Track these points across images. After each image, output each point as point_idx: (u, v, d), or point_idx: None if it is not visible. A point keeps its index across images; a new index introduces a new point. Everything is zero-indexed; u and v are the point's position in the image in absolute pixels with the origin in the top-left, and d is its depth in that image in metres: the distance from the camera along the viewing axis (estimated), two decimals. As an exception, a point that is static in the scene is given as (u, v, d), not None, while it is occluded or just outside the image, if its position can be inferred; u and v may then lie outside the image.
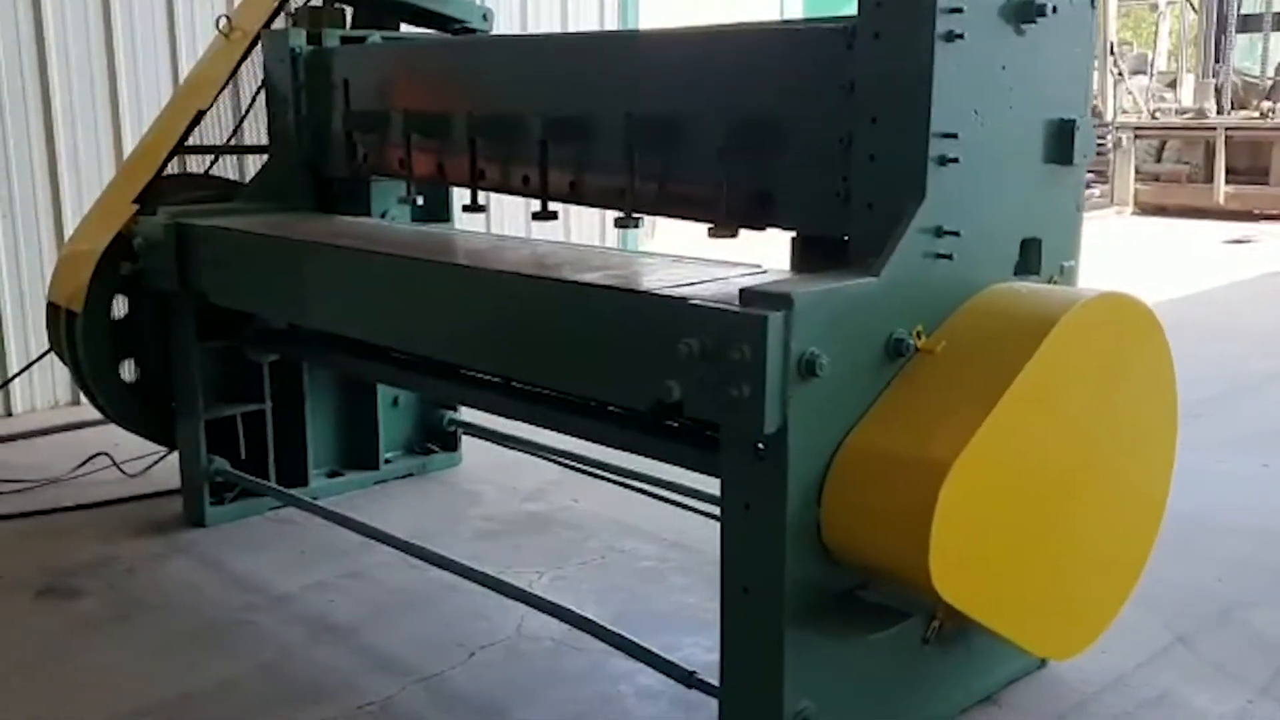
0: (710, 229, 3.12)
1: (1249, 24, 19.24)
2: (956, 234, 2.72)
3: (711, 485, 3.79)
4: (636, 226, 3.52)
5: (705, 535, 4.32)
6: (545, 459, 4.96)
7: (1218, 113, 17.35)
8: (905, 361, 2.65)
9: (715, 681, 2.79)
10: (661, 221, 3.58)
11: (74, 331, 4.41)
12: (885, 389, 2.63)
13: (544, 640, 3.58)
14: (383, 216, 4.67)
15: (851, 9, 2.73)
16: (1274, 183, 15.37)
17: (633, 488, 4.56)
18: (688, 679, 2.99)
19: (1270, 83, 18.37)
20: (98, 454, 5.18)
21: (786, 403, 2.42)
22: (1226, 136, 15.74)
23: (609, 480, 4.69)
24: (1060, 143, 2.97)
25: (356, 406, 5.03)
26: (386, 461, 5.09)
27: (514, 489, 4.97)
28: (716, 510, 4.38)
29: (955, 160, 2.68)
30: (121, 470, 5.12)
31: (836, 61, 2.78)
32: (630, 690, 3.30)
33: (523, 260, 3.37)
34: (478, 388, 3.65)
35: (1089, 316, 2.70)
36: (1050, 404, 2.64)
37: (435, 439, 5.29)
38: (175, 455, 4.73)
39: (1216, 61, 18.18)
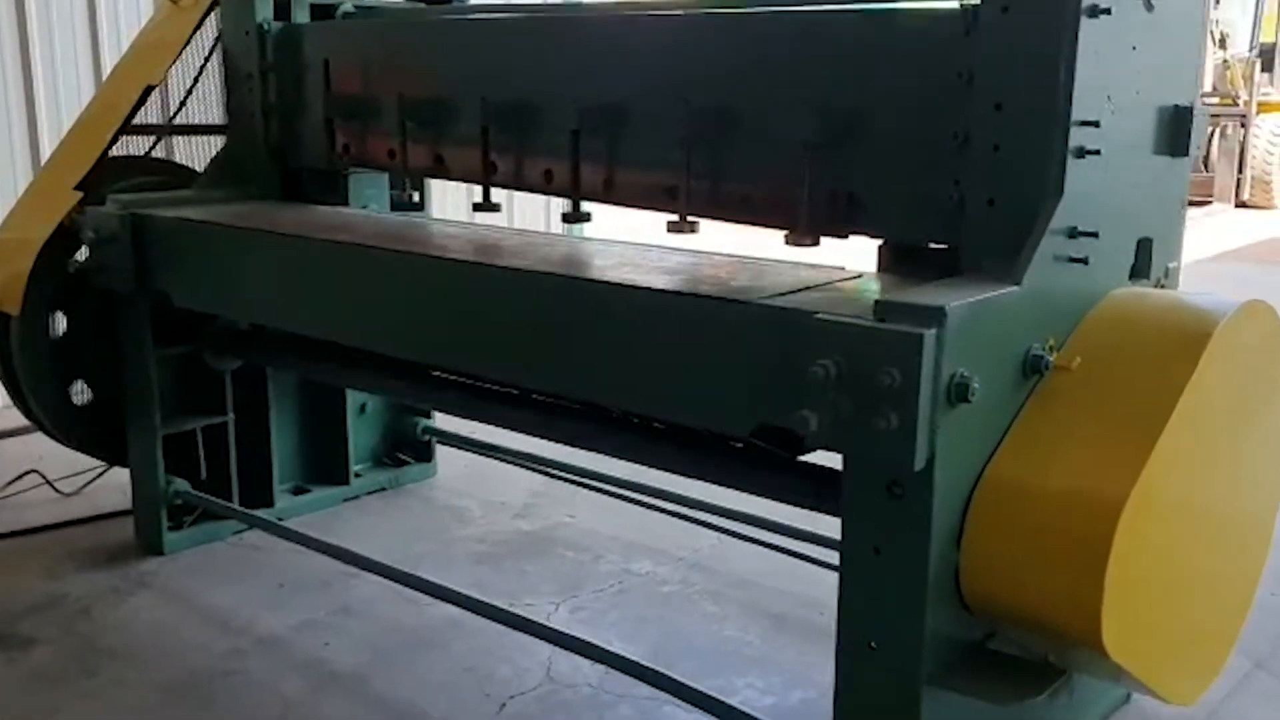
0: (786, 236, 2.76)
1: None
2: (1095, 235, 2.41)
3: (727, 498, 3.50)
4: (588, 220, 3.25)
5: (721, 553, 4.01)
6: (530, 469, 4.58)
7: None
8: (1039, 380, 2.34)
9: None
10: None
11: (8, 339, 3.87)
12: (1020, 412, 2.32)
13: (581, 686, 3.20)
14: (362, 209, 4.21)
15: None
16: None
17: (635, 500, 4.21)
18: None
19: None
20: (29, 471, 4.62)
21: (934, 433, 2.09)
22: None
23: (603, 492, 4.33)
24: (1175, 131, 2.68)
25: (322, 415, 4.57)
26: (356, 475, 4.64)
27: (501, 504, 4.57)
28: (731, 525, 4.20)
29: (1096, 152, 2.37)
30: (55, 489, 4.58)
31: (948, 50, 2.45)
32: (696, 746, 2.95)
33: (557, 259, 2.98)
34: (496, 402, 3.22)
35: (1238, 328, 2.41)
36: (1202, 427, 2.35)
37: (407, 448, 4.85)
38: (116, 471, 4.23)
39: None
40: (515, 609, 3.34)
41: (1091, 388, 2.32)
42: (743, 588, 3.81)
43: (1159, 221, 2.74)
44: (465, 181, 3.56)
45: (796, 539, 3.78)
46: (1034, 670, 2.31)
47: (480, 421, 3.42)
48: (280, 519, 4.25)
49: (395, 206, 4.33)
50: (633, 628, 3.53)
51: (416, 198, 4.41)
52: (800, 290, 2.46)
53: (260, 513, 4.19)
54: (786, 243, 2.76)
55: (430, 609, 3.56)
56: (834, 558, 3.72)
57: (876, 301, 2.13)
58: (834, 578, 3.65)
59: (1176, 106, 2.67)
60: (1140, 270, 2.71)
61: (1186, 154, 2.72)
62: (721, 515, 3.98)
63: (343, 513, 4.48)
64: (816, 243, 2.74)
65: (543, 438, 3.22)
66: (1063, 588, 2.15)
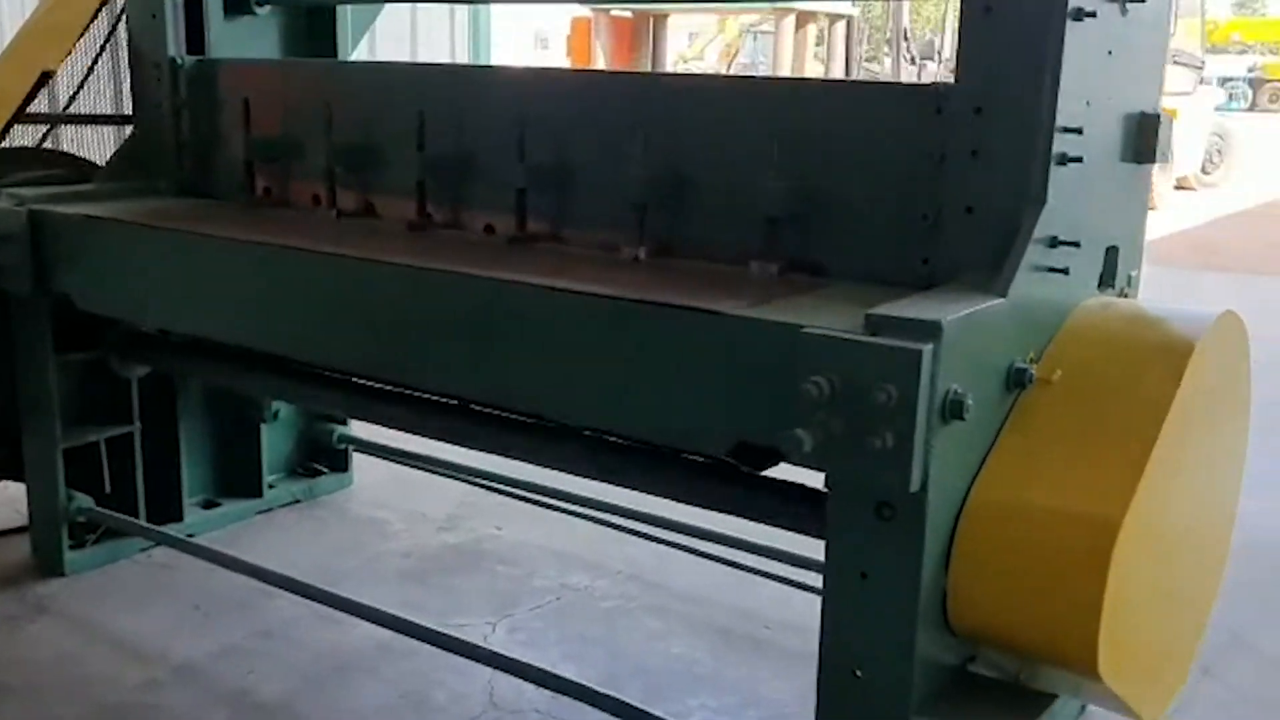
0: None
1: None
2: (1076, 244, 2.35)
3: (662, 508, 3.38)
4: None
5: (659, 565, 3.89)
6: (453, 478, 4.40)
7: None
8: (1020, 394, 2.26)
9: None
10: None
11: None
12: (1003, 428, 2.24)
13: (528, 712, 3.05)
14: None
15: None
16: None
17: (566, 511, 4.06)
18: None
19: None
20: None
21: (929, 453, 2.00)
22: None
23: (531, 502, 4.17)
24: (1143, 138, 2.63)
25: (234, 425, 4.32)
26: (270, 487, 4.41)
27: (423, 515, 4.38)
28: (668, 535, 4.07)
29: (1079, 159, 2.31)
30: (-64, 504, 4.26)
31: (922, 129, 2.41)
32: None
33: (499, 262, 2.82)
34: (435, 414, 3.04)
35: (1215, 340, 2.37)
36: (1181, 442, 2.30)
37: (322, 458, 4.62)
38: (7, 486, 3.94)
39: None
40: (449, 629, 3.18)
41: (1074, 402, 2.25)
42: (685, 602, 3.69)
43: (1125, 229, 2.70)
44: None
45: (737, 549, 3.68)
46: (1026, 697, 2.24)
47: (417, 434, 3.23)
48: (190, 535, 4.00)
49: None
50: (576, 647, 3.39)
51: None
52: (771, 301, 2.34)
53: (169, 528, 3.94)
54: None
55: (357, 630, 3.37)
56: (776, 568, 3.72)
57: (868, 315, 2.03)
58: (777, 589, 3.66)
59: (1143, 113, 2.63)
60: (1107, 279, 2.66)
61: (1154, 160, 2.68)
62: (657, 525, 3.86)
63: (256, 527, 4.24)
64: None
65: (487, 452, 3.06)
66: (1058, 613, 2.08)
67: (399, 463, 4.53)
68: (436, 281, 2.67)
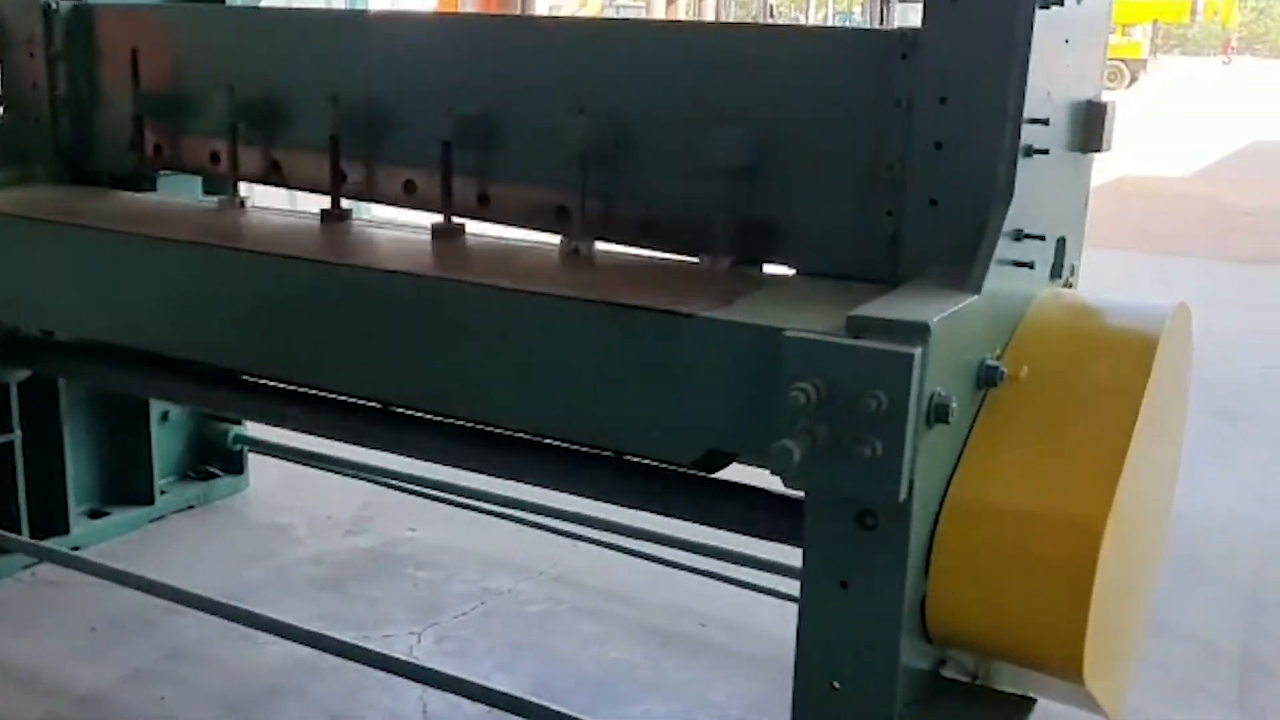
0: (701, 261, 2.55)
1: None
2: (1041, 238, 2.31)
3: (581, 505, 3.28)
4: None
5: (582, 563, 3.78)
6: (357, 477, 4.21)
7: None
8: (987, 393, 2.21)
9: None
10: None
11: None
12: (972, 427, 2.18)
13: (467, 729, 2.91)
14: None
15: None
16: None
17: (481, 510, 3.92)
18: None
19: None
20: None
21: (915, 459, 1.93)
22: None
23: (443, 501, 4.01)
24: (1090, 127, 2.60)
25: (122, 428, 4.06)
26: (161, 493, 4.15)
27: (328, 518, 4.18)
28: (587, 532, 3.95)
29: (1045, 151, 2.26)
30: None
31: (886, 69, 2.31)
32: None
33: (421, 258, 2.66)
34: (374, 420, 2.86)
35: (1173, 331, 2.36)
36: (1148, 434, 2.28)
37: (216, 459, 4.38)
38: None
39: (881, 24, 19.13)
40: (373, 643, 3.03)
41: (1045, 399, 2.20)
42: (614, 601, 3.59)
43: (1071, 219, 2.67)
44: (307, 191, 3.17)
45: (659, 544, 3.58)
46: (1007, 702, 2.20)
47: (346, 442, 3.03)
48: (77, 548, 3.75)
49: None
50: (508, 656, 3.26)
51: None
52: (736, 300, 2.24)
53: (53, 542, 3.69)
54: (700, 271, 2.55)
55: (275, 647, 3.18)
56: (706, 564, 3.63)
57: (850, 316, 1.95)
58: (708, 585, 3.58)
59: (1090, 101, 2.60)
60: (1056, 270, 2.63)
61: (1101, 149, 2.65)
62: (577, 523, 3.75)
63: (150, 536, 3.99)
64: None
65: (428, 461, 2.90)
66: (1043, 617, 2.03)
67: (298, 463, 4.32)
68: (359, 279, 2.50)
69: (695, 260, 2.57)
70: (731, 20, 21.63)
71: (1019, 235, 2.27)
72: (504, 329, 2.33)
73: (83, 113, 3.49)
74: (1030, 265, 2.31)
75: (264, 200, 3.57)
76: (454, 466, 2.79)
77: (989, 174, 2.22)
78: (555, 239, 2.72)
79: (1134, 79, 24.51)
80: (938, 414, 1.93)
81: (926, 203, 2.29)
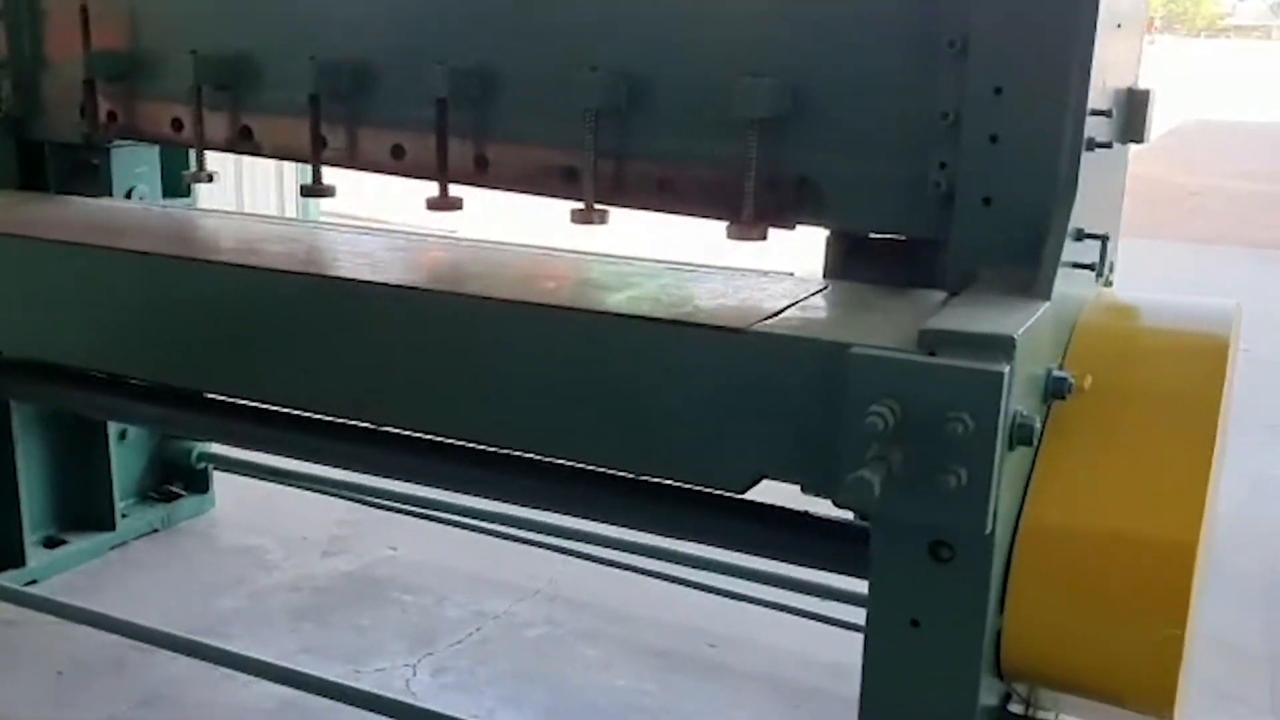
0: (729, 228, 2.35)
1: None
2: (1104, 237, 2.15)
3: (562, 516, 3.07)
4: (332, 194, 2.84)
5: (578, 580, 3.59)
6: (329, 494, 3.97)
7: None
8: (1053, 405, 2.05)
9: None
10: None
11: None
12: (1040, 444, 2.02)
13: (477, 773, 2.71)
14: (128, 196, 3.45)
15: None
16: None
17: (463, 525, 3.71)
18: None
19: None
20: None
21: (999, 486, 1.76)
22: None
23: (421, 517, 3.79)
24: (1133, 115, 2.45)
25: (78, 448, 3.79)
26: (123, 516, 3.88)
27: (303, 539, 3.94)
28: (577, 546, 3.74)
29: (1108, 145, 2.11)
30: None
31: (936, 11, 2.12)
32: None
33: (430, 266, 2.45)
34: (373, 444, 2.62)
35: (1236, 331, 2.22)
36: (1220, 442, 2.14)
37: (178, 479, 4.12)
38: None
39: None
40: (365, 679, 2.84)
41: (1113, 409, 2.04)
42: (615, 622, 3.40)
43: (1112, 216, 2.53)
44: (281, 159, 2.94)
45: (654, 558, 3.39)
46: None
47: (347, 470, 2.80)
48: (34, 581, 3.49)
49: (169, 192, 3.59)
50: (512, 687, 3.05)
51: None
52: (783, 310, 2.05)
53: (8, 577, 3.44)
54: (729, 236, 2.35)
55: (259, 686, 2.96)
56: (710, 579, 3.43)
57: (924, 330, 1.77)
58: (713, 600, 3.39)
59: (1130, 89, 2.45)
60: (1099, 269, 2.49)
61: (1142, 139, 2.50)
62: (565, 537, 3.55)
63: (112, 565, 3.73)
64: (764, 236, 2.35)
65: (456, 491, 2.69)
66: (1133, 649, 1.88)
67: (266, 480, 4.07)
68: (374, 296, 2.28)
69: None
70: None
71: (1080, 235, 2.11)
72: (529, 348, 2.12)
73: (27, 76, 3.19)
74: (1091, 267, 2.16)
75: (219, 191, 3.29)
76: (465, 494, 2.58)
77: (1051, 171, 2.06)
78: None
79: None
80: (1020, 436, 1.77)
81: (980, 201, 2.13)
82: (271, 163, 6.83)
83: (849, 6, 2.23)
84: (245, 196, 7.34)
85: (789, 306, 2.08)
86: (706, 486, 2.07)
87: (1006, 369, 1.69)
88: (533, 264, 2.53)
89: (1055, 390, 1.99)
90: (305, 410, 2.60)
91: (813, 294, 2.19)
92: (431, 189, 2.59)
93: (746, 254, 2.69)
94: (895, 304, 2.12)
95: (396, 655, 3.19)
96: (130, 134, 3.14)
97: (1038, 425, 1.79)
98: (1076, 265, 2.13)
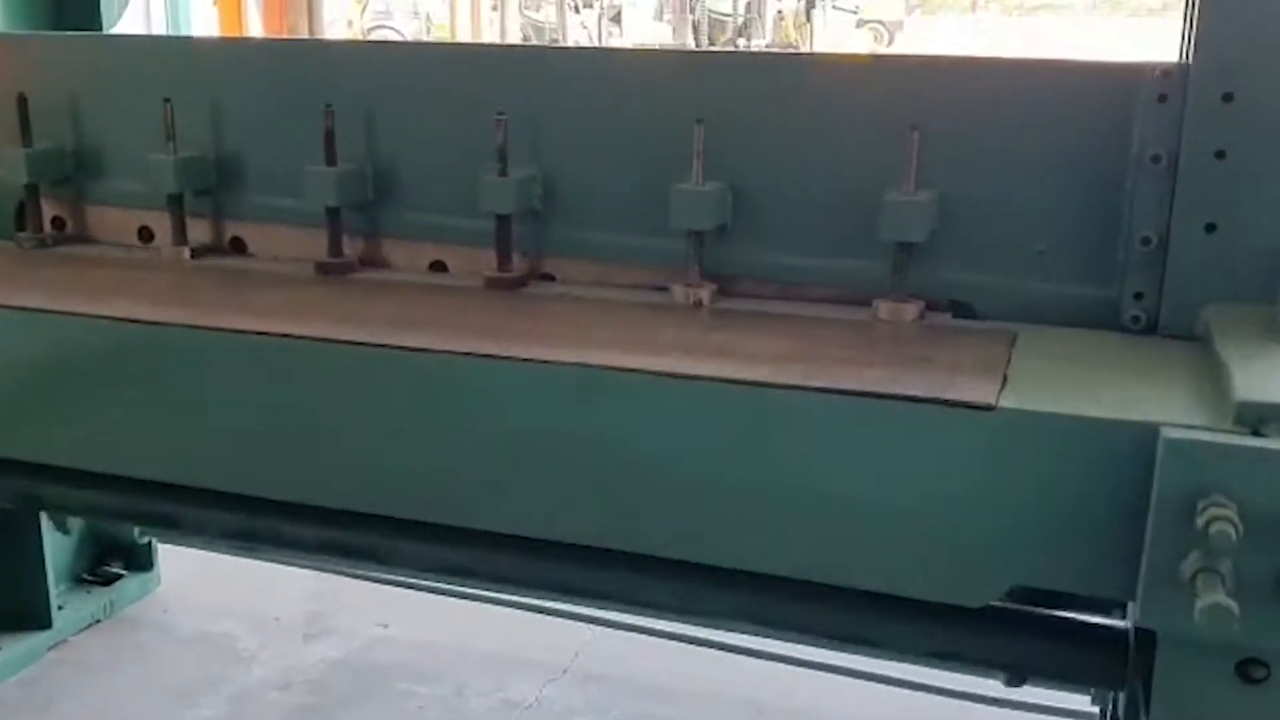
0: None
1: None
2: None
3: None
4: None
5: (608, 651, 3.16)
6: (291, 564, 3.44)
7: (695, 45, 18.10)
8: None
9: None
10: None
11: None
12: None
13: None
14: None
15: None
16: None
17: (456, 594, 3.23)
18: None
19: (742, 19, 19.64)
20: None
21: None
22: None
23: (403, 586, 3.30)
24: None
25: (2, 533, 3.19)
26: (59, 609, 3.30)
27: (275, 620, 3.42)
28: (591, 611, 3.26)
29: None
30: None
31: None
32: None
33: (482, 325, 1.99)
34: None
35: None
36: None
37: (116, 555, 3.55)
38: None
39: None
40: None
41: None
42: (661, 700, 3.00)
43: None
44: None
45: (688, 622, 2.97)
46: None
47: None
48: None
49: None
50: (576, 799, 2.63)
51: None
52: (1007, 376, 1.66)
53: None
54: None
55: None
56: (750, 643, 3.02)
57: (1241, 403, 1.42)
58: (754, 664, 2.98)
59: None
60: None
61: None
62: (582, 599, 3.12)
63: (51, 669, 3.16)
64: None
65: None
66: None
67: (216, 550, 3.52)
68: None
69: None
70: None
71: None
72: (709, 433, 1.68)
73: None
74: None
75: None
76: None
77: (1286, 189, 1.74)
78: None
79: (892, 38, 25.70)
80: (1351, 526, 1.43)
81: (1202, 229, 1.79)
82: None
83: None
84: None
85: (1007, 366, 1.70)
86: (944, 600, 1.66)
87: (1352, 451, 1.35)
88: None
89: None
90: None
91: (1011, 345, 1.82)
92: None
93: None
94: (1149, 364, 1.74)
95: (429, 767, 2.73)
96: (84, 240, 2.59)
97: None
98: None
